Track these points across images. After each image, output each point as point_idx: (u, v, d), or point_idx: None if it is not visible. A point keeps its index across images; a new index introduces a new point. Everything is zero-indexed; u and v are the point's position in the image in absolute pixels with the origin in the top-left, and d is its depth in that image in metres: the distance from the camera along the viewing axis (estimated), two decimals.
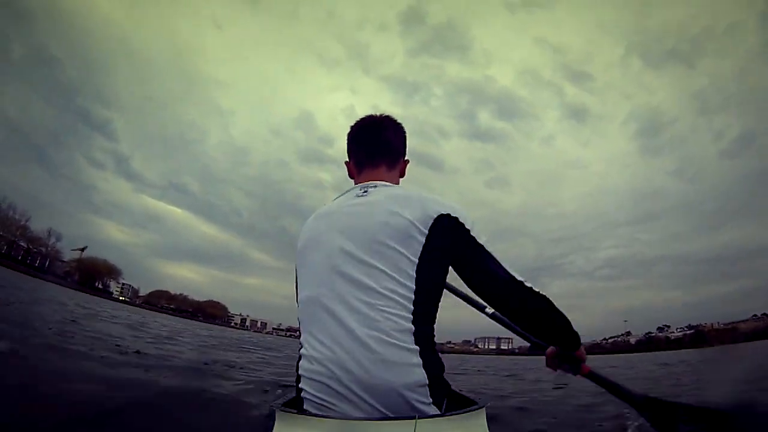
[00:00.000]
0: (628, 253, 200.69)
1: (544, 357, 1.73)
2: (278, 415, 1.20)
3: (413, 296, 1.28)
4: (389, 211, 1.35)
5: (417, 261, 1.30)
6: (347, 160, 1.70)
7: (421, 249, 1.31)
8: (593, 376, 1.71)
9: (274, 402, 1.38)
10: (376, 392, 1.17)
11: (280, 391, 4.55)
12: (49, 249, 77.95)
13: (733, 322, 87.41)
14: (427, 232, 1.32)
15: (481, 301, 1.51)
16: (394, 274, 1.28)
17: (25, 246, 73.05)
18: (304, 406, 1.26)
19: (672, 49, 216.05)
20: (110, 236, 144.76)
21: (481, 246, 1.36)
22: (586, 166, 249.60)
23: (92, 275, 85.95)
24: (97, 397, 3.16)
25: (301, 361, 1.30)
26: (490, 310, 1.91)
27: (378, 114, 1.70)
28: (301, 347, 1.32)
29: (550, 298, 1.38)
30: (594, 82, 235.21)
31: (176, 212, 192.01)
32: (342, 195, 1.54)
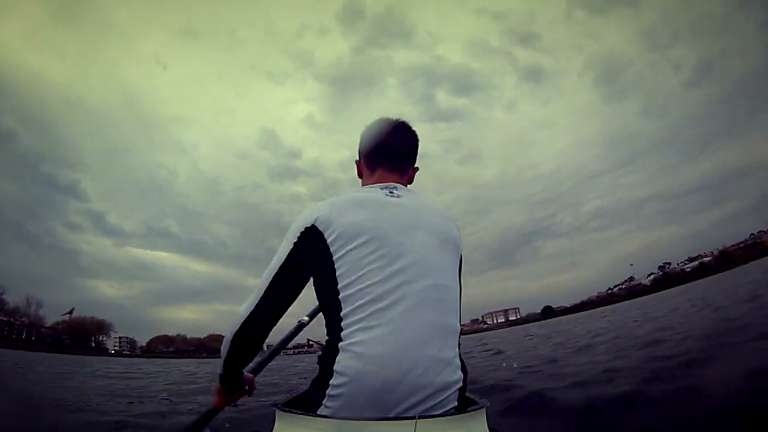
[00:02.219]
0: (613, 200, 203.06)
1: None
2: (278, 415, 1.21)
3: (460, 297, 1.39)
4: (444, 217, 1.46)
5: (458, 266, 1.44)
6: (357, 159, 1.71)
7: (460, 257, 1.46)
8: None
9: (274, 402, 1.31)
10: (429, 392, 1.18)
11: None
12: (32, 318, 75.06)
13: (735, 244, 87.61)
14: (459, 246, 1.47)
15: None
16: (452, 274, 1.38)
17: (5, 319, 69.65)
18: (335, 404, 1.19)
19: None
20: (103, 294, 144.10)
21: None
22: (553, 124, 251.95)
23: (82, 335, 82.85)
24: None
25: (344, 357, 1.22)
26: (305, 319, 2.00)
27: (394, 118, 1.66)
28: (342, 341, 1.24)
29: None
30: (543, 41, 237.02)
31: (163, 256, 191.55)
32: (363, 190, 1.49)
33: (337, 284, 1.29)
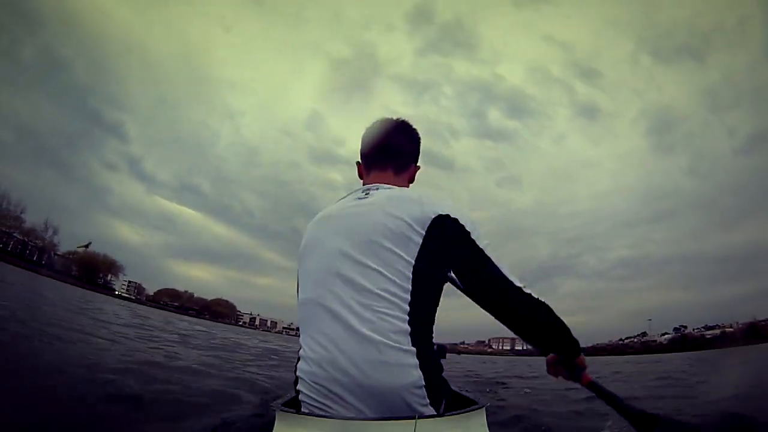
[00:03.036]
0: (641, 253, 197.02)
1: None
2: (278, 415, 1.24)
3: (409, 297, 1.30)
4: (386, 212, 1.37)
5: (413, 262, 1.32)
6: (358, 161, 1.74)
7: (417, 250, 1.33)
8: (593, 387, 1.68)
9: (274, 402, 1.43)
10: (373, 394, 1.20)
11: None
12: (46, 242, 75.38)
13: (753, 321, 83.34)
14: (424, 232, 1.33)
15: None
16: (389, 275, 1.30)
17: (20, 238, 70.36)
18: (302, 409, 1.29)
19: (682, 44, 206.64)
20: (125, 237, 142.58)
21: (481, 250, 1.37)
22: (597, 165, 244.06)
23: (92, 270, 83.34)
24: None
25: (299, 363, 1.34)
26: None
27: (394, 118, 1.72)
28: (300, 349, 1.36)
29: (550, 305, 1.37)
30: (603, 79, 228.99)
31: (189, 213, 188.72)
32: (344, 197, 1.57)
33: (298, 296, 1.46)
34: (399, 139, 1.68)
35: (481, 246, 1.36)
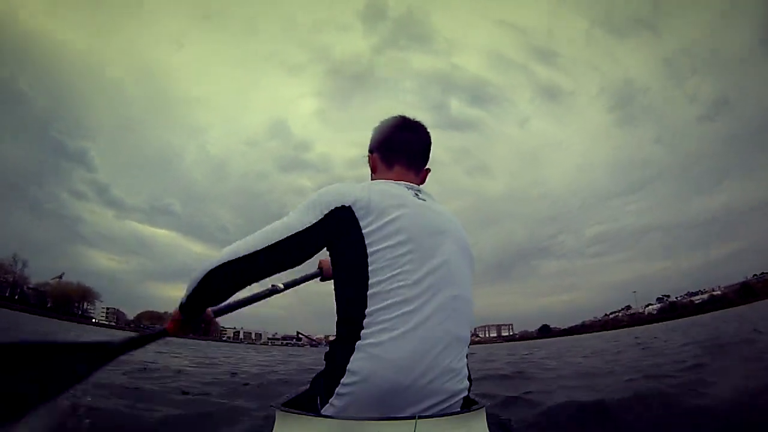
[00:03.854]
0: (617, 227, 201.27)
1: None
2: (278, 415, 1.22)
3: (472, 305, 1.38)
4: (459, 223, 1.47)
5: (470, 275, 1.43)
6: (371, 153, 1.68)
7: (472, 267, 1.45)
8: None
9: (274, 402, 1.38)
10: (434, 398, 1.19)
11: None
12: (16, 276, 73.11)
13: (731, 285, 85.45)
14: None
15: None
16: (470, 286, 1.39)
17: None
18: (342, 403, 1.20)
19: (635, 16, 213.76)
20: (99, 265, 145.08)
21: None
22: (565, 144, 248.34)
23: (66, 300, 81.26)
24: None
25: (359, 356, 1.21)
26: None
27: (422, 121, 1.71)
28: (360, 339, 1.22)
29: None
30: (561, 59, 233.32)
31: (163, 234, 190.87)
32: (391, 185, 1.44)
33: (368, 280, 1.27)
34: (425, 141, 1.68)
35: None
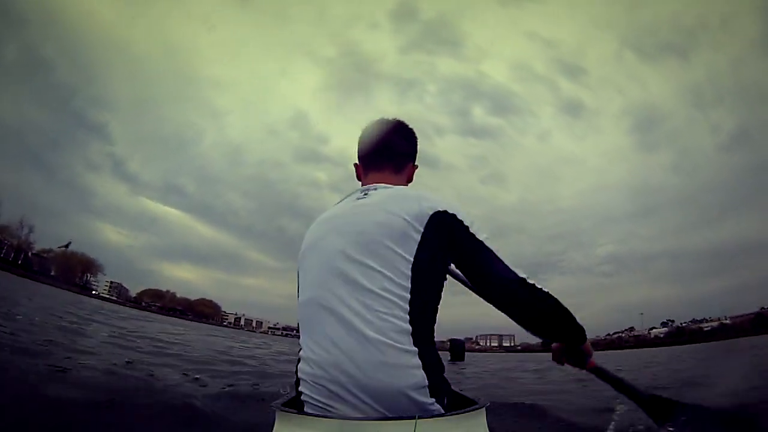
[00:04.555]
0: (626, 249, 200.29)
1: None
2: (278, 415, 1.23)
3: (409, 296, 1.29)
4: (385, 211, 1.37)
5: (412, 259, 1.31)
6: (356, 162, 1.75)
7: (416, 247, 1.32)
8: (599, 372, 1.73)
9: (274, 402, 1.37)
10: (377, 395, 1.19)
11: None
12: (20, 240, 72.81)
13: (730, 317, 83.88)
14: (422, 229, 1.33)
15: None
16: (390, 274, 1.29)
17: None
18: (305, 409, 1.27)
19: (666, 41, 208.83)
20: (109, 239, 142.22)
21: (481, 242, 1.38)
22: (582, 162, 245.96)
23: (68, 269, 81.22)
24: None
25: (300, 364, 1.33)
26: None
27: (389, 118, 1.75)
28: (300, 350, 1.35)
29: (553, 295, 1.38)
30: (588, 77, 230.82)
31: (173, 213, 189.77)
32: (344, 198, 1.57)
33: (298, 296, 1.44)
34: (396, 139, 1.70)
35: (480, 239, 1.37)
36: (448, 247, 1.37)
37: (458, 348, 28.04)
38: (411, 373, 1.20)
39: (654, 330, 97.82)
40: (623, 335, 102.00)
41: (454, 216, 1.36)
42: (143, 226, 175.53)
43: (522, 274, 1.34)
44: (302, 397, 1.27)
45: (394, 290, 1.27)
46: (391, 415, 1.16)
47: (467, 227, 1.36)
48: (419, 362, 1.22)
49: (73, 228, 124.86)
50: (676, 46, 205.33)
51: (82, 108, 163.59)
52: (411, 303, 1.27)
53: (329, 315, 1.27)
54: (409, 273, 1.29)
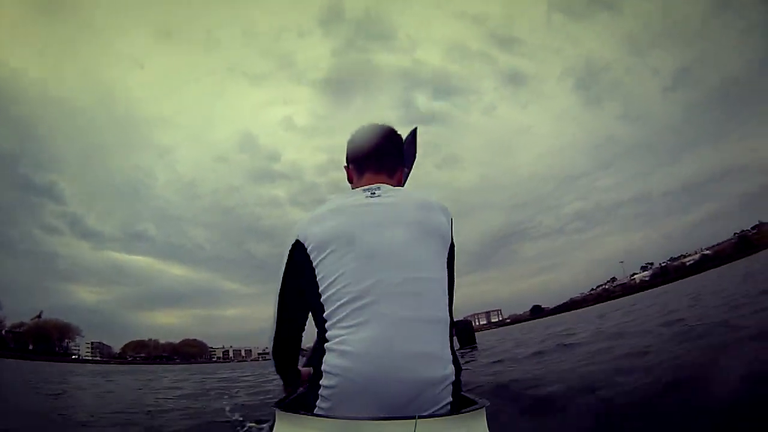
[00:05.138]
0: (593, 203, 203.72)
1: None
2: (278, 415, 1.26)
3: (448, 288, 1.39)
4: (422, 207, 1.47)
5: (446, 256, 1.44)
6: (346, 165, 1.79)
7: (449, 246, 1.46)
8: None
9: (274, 402, 1.48)
10: (413, 387, 1.20)
11: None
12: None
13: (709, 247, 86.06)
14: (451, 230, 1.48)
15: None
16: (434, 265, 1.38)
17: None
18: (326, 404, 1.25)
19: None
20: (83, 299, 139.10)
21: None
22: (533, 129, 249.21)
23: (45, 339, 78.17)
24: None
25: (328, 356, 1.29)
26: None
27: (380, 123, 1.77)
28: (327, 342, 1.31)
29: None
30: (522, 45, 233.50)
31: (140, 260, 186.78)
32: (345, 196, 1.57)
33: (318, 288, 1.38)
34: (391, 143, 1.73)
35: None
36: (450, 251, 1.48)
37: (467, 330, 19.79)
38: (446, 366, 1.25)
39: (636, 275, 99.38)
40: (607, 287, 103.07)
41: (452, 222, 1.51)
42: (113, 279, 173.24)
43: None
44: (321, 391, 1.25)
45: (440, 282, 1.37)
46: (422, 411, 1.17)
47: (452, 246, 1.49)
48: (451, 357, 1.28)
49: (44, 296, 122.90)
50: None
51: (28, 172, 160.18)
52: (449, 296, 1.38)
53: (377, 304, 1.27)
54: (446, 268, 1.41)
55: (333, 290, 1.34)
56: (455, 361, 1.29)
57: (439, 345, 1.27)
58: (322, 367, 1.27)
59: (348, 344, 1.25)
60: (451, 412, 1.22)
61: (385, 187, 1.54)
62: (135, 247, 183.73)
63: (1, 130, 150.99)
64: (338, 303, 1.31)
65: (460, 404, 1.31)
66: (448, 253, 1.44)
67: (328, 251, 1.39)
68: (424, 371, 1.21)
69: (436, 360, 1.24)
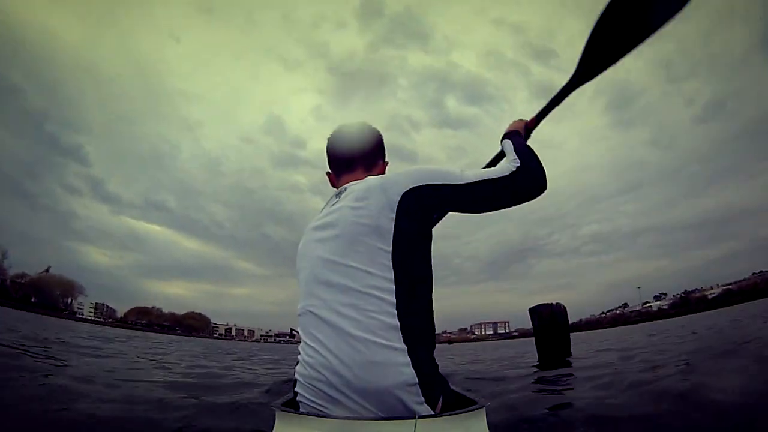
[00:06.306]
0: (612, 227, 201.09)
1: None
2: (278, 415, 1.23)
3: (394, 287, 1.25)
4: (354, 207, 1.35)
5: (391, 249, 1.28)
6: (328, 171, 1.73)
7: (392, 235, 1.29)
8: (539, 116, 1.96)
9: (274, 402, 1.39)
10: (367, 394, 1.17)
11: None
12: None
13: (731, 283, 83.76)
14: (394, 215, 1.29)
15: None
16: (372, 270, 1.26)
17: None
18: (300, 409, 1.28)
19: None
20: (95, 261, 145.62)
21: (470, 185, 1.32)
22: (561, 145, 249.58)
23: (47, 293, 78.08)
24: None
25: (297, 366, 1.33)
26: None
27: (353, 123, 1.72)
28: (299, 354, 1.34)
29: (519, 153, 1.45)
30: (558, 59, 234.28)
31: (157, 230, 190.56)
32: (324, 206, 1.56)
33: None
34: (358, 141, 1.66)
35: (466, 182, 1.32)
36: (432, 215, 1.36)
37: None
38: (399, 371, 1.16)
39: (650, 304, 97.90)
40: (617, 312, 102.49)
41: (420, 188, 1.31)
42: (128, 245, 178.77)
43: (507, 171, 1.33)
44: (297, 398, 1.29)
45: (378, 285, 1.24)
46: (382, 415, 1.14)
47: (449, 185, 1.32)
48: (408, 360, 1.18)
49: (57, 253, 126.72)
50: None
51: (56, 132, 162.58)
52: (397, 296, 1.23)
53: (317, 319, 1.26)
54: (390, 264, 1.26)
55: (298, 306, 1.39)
56: (419, 364, 1.17)
57: (382, 353, 1.17)
58: (295, 375, 1.32)
59: (304, 355, 1.28)
60: (450, 413, 1.16)
61: (350, 185, 1.48)
62: (153, 215, 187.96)
63: (33, 88, 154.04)
64: (299, 318, 1.37)
65: (459, 404, 1.26)
66: (399, 229, 1.27)
67: (297, 271, 1.47)
68: (372, 379, 1.14)
69: (383, 367, 1.15)
